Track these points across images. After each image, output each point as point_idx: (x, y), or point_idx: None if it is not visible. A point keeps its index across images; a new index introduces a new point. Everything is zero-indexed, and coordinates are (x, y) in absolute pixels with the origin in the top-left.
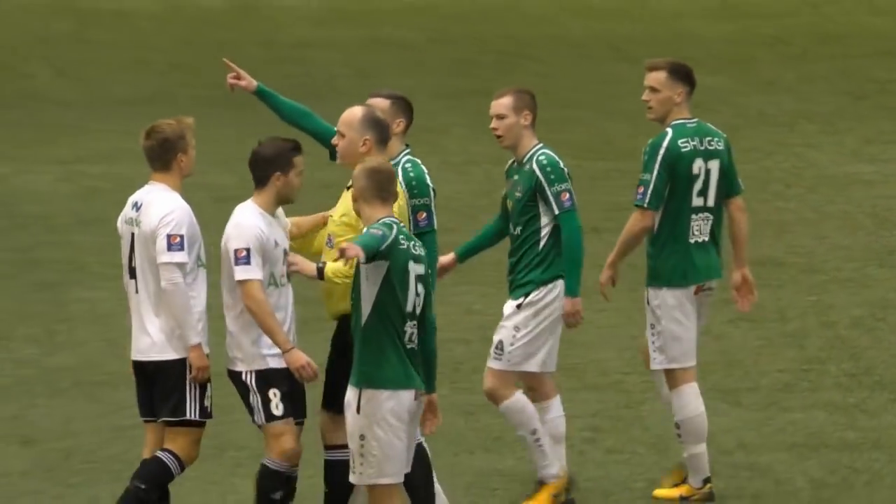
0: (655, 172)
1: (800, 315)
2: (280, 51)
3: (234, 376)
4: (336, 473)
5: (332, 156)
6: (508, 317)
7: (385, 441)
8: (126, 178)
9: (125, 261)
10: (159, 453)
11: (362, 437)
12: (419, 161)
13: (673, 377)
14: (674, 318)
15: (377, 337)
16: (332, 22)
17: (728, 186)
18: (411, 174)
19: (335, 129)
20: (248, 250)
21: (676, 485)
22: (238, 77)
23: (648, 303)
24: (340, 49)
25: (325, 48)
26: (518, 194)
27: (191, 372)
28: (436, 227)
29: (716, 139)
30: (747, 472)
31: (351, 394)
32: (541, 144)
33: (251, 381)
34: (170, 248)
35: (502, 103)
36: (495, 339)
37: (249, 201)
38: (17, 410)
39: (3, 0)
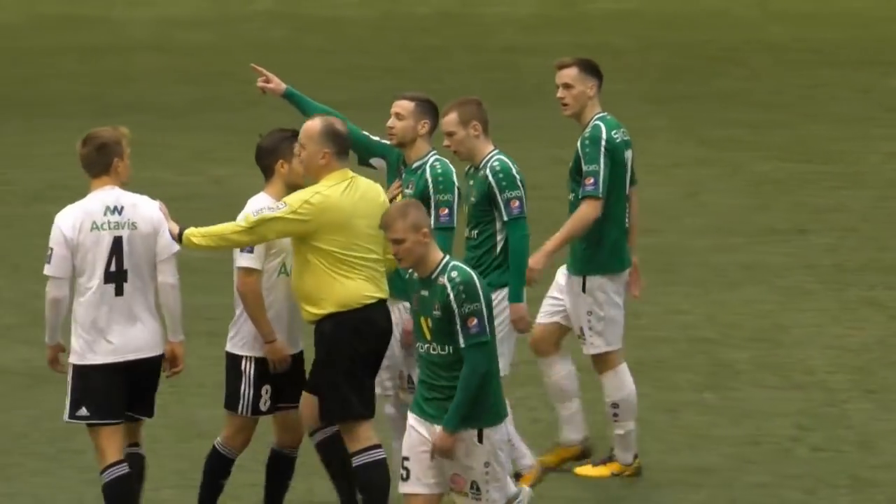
0: (602, 163)
1: None
2: (489, 56)
3: (232, 359)
4: (330, 450)
5: (361, 159)
6: None
7: (505, 463)
8: None
9: (100, 265)
10: (132, 452)
11: (487, 465)
12: (447, 161)
13: (608, 360)
14: (614, 302)
15: (492, 374)
16: (541, 28)
17: (633, 176)
18: (438, 170)
19: (363, 132)
20: None
21: (605, 462)
22: (267, 80)
23: (585, 290)
24: (548, 55)
25: (533, 54)
26: (472, 199)
27: (169, 368)
28: (455, 225)
29: (626, 130)
30: None
31: (467, 434)
32: (496, 151)
33: (249, 368)
34: (174, 242)
35: (449, 121)
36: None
37: (262, 193)
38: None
39: (223, 9)
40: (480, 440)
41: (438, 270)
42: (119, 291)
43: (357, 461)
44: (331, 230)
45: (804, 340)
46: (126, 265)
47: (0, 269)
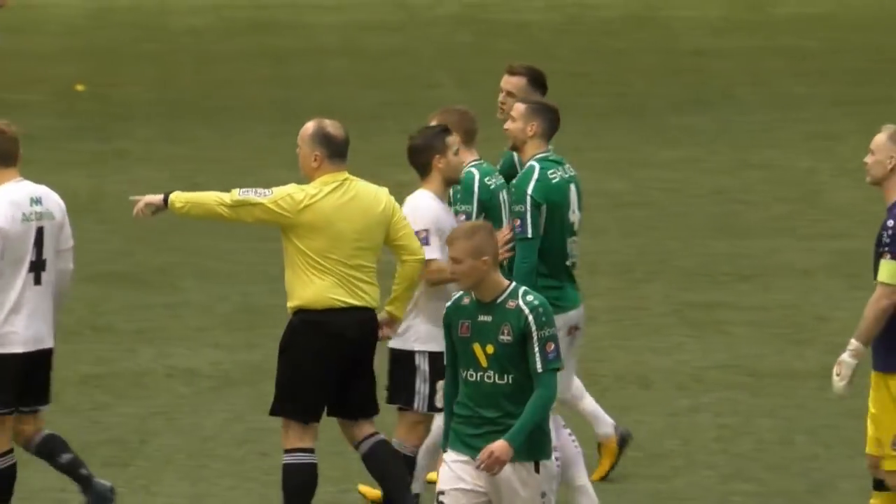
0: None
1: None
2: (677, 59)
3: (406, 355)
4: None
5: None
6: None
7: (556, 492)
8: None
9: (28, 255)
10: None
11: (543, 496)
12: (536, 167)
13: None
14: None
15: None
16: (730, 31)
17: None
18: (516, 180)
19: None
20: (426, 231)
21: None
22: None
23: None
24: (737, 57)
25: (722, 57)
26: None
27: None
28: (529, 234)
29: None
30: None
31: (524, 466)
32: (472, 161)
33: (424, 363)
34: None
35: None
36: None
37: (420, 190)
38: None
39: (410, 14)
40: (538, 470)
41: (507, 294)
42: (38, 281)
43: (284, 459)
44: (308, 231)
45: None
46: (45, 255)
47: (188, 273)
